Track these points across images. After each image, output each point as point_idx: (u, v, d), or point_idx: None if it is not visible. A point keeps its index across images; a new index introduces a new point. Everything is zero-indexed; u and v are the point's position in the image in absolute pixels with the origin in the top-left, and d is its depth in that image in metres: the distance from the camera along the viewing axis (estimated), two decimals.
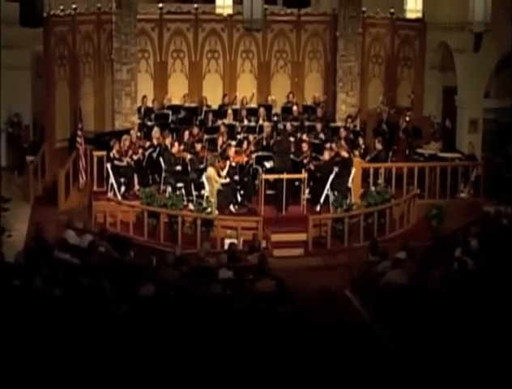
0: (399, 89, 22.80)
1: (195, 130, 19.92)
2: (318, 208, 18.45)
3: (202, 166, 18.59)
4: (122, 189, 18.65)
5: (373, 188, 18.76)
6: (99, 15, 21.06)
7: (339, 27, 21.74)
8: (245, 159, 18.88)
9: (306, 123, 20.87)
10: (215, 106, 21.54)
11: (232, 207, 18.43)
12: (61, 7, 20.27)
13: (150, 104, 21.18)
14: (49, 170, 20.05)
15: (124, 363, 9.85)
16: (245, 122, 20.93)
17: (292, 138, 19.66)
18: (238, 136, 20.17)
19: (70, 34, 20.66)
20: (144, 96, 21.18)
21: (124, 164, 18.75)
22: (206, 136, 19.93)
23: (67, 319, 10.51)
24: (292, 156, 19.05)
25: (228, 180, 18.25)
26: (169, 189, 18.45)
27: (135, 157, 18.96)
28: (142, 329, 10.48)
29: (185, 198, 18.31)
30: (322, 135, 20.36)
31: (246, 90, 21.96)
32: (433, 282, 12.85)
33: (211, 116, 20.83)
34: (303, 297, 13.33)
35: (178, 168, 18.66)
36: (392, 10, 21.83)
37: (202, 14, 21.74)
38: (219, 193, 18.10)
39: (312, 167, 18.78)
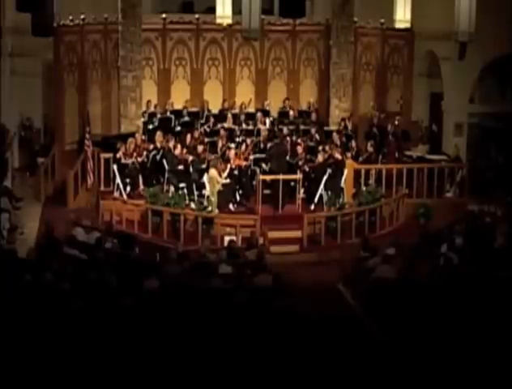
0: (389, 95, 22.85)
1: (197, 133, 19.93)
2: (313, 207, 18.47)
3: (203, 167, 18.62)
4: (128, 189, 18.66)
5: (364, 188, 18.78)
6: (106, 25, 21.06)
7: (332, 37, 21.74)
8: (244, 163, 18.89)
9: (301, 127, 20.87)
10: (215, 111, 21.53)
11: (231, 206, 18.44)
12: (71, 18, 20.28)
13: (153, 109, 21.19)
14: (58, 171, 20.06)
15: (128, 351, 9.89)
16: (244, 126, 20.95)
17: (288, 141, 19.69)
18: (237, 139, 20.18)
19: (78, 43, 20.68)
20: (149, 101, 21.19)
21: (129, 164, 18.78)
22: (207, 139, 19.94)
23: (75, 311, 10.55)
24: (287, 158, 19.08)
25: (228, 181, 18.28)
26: (172, 189, 18.42)
27: (140, 159, 18.95)
28: (146, 320, 10.51)
29: (187, 197, 18.30)
30: (316, 138, 20.38)
31: (245, 96, 21.94)
32: (420, 276, 12.89)
33: (211, 120, 20.85)
34: (298, 291, 13.35)
35: (181, 168, 18.68)
36: (382, 21, 21.81)
37: (203, 24, 21.73)
38: (220, 193, 18.11)
39: (307, 168, 18.80)
